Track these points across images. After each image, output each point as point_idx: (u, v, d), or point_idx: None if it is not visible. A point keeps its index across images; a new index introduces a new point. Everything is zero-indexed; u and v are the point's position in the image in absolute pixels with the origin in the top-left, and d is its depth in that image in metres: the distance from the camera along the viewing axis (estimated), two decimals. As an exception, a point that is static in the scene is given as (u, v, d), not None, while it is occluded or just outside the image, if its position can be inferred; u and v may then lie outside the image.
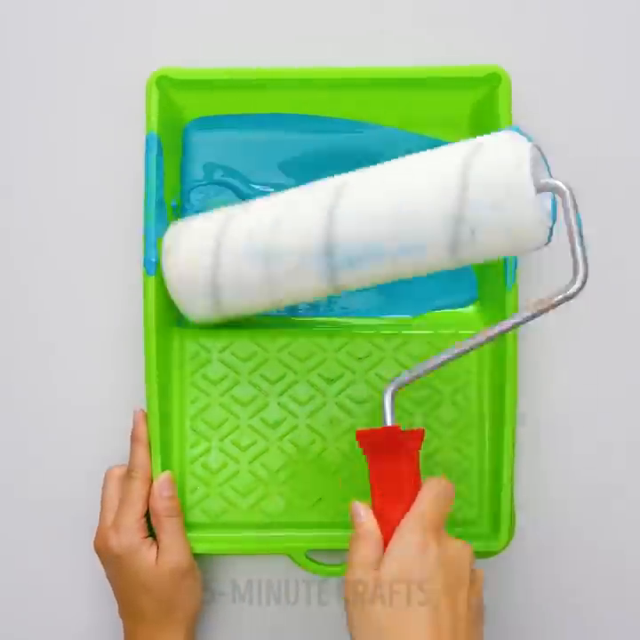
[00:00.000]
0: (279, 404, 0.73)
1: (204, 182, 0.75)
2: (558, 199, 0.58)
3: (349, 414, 0.73)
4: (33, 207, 0.77)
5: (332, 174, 0.67)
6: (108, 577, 0.71)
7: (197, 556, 0.72)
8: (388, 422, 0.63)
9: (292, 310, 0.75)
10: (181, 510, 0.71)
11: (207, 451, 0.73)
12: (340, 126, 0.74)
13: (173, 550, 0.69)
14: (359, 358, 0.73)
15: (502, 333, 0.60)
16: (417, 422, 0.72)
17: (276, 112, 0.74)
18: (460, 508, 0.72)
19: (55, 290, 0.76)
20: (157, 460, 0.71)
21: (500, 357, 0.71)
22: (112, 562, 0.70)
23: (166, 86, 0.72)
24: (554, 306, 0.57)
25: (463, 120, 0.74)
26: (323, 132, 0.74)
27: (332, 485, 0.72)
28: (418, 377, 0.63)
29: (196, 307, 0.69)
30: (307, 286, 0.66)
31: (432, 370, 0.62)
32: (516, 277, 0.69)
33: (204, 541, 0.72)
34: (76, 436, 0.76)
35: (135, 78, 0.72)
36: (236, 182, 0.75)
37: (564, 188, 0.57)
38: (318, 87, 0.73)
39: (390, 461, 0.62)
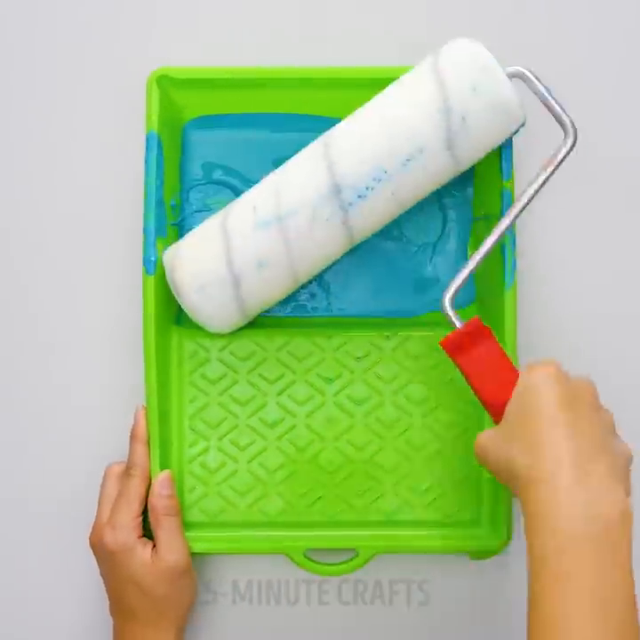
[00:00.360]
0: (278, 403, 0.73)
1: (203, 182, 0.75)
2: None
3: (348, 414, 0.73)
4: (33, 207, 0.77)
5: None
6: (102, 574, 0.71)
7: (196, 557, 0.72)
8: (459, 324, 0.65)
9: (291, 310, 0.74)
10: (180, 509, 0.71)
11: (206, 450, 0.73)
12: (340, 126, 0.74)
13: (171, 549, 0.69)
14: (358, 358, 0.73)
15: (525, 206, 0.65)
16: (416, 423, 0.72)
17: (276, 112, 0.74)
18: (460, 509, 0.72)
19: (55, 290, 0.77)
20: (156, 458, 0.70)
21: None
22: (106, 558, 0.70)
23: (166, 85, 0.72)
24: (561, 161, 0.64)
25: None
26: (322, 131, 0.73)
27: (331, 485, 0.72)
28: (468, 276, 0.66)
29: (221, 312, 0.70)
30: (324, 240, 0.68)
31: (479, 263, 0.65)
32: (514, 277, 0.69)
33: (202, 541, 0.71)
34: (76, 435, 0.76)
35: (135, 77, 0.73)
36: (234, 182, 0.75)
37: (523, 69, 0.66)
38: (318, 87, 0.73)
39: (483, 348, 0.64)
